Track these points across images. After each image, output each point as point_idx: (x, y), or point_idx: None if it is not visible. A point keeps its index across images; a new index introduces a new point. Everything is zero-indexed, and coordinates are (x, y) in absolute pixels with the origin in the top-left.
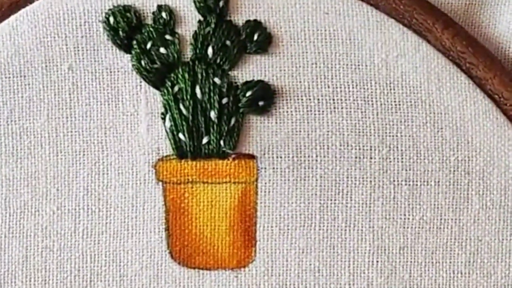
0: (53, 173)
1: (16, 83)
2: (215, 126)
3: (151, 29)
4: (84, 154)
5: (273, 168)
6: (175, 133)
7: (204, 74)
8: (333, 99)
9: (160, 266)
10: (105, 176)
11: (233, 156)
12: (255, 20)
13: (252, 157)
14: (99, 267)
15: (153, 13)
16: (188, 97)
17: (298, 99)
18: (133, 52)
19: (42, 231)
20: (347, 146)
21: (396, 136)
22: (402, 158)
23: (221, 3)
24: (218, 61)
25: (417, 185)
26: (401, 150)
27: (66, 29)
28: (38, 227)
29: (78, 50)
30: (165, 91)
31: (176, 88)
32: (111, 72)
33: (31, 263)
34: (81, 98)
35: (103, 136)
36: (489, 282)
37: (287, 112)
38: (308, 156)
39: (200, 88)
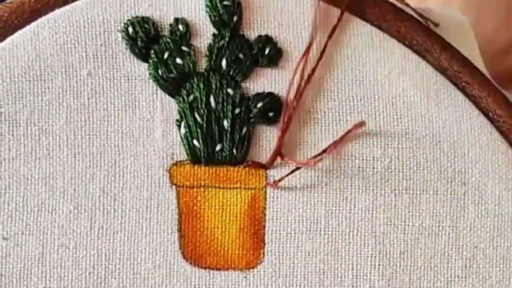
0: (70, 173)
1: (36, 87)
2: (228, 135)
3: (168, 40)
4: (101, 157)
5: (281, 175)
6: (189, 139)
7: (218, 85)
8: (338, 112)
9: (172, 266)
10: (121, 178)
11: (244, 164)
12: (266, 36)
13: (262, 165)
14: (114, 265)
15: (170, 25)
16: (203, 106)
17: (305, 111)
18: (150, 61)
19: (59, 229)
20: (351, 156)
21: (397, 148)
22: (403, 169)
23: (235, 18)
24: (231, 73)
25: (416, 193)
26: (402, 161)
27: (86, 37)
28: (55, 225)
29: (97, 57)
30: (181, 99)
31: (191, 97)
32: (128, 79)
33: (47, 260)
34: (99, 103)
35: (120, 140)
36: (484, 286)
37: (294, 123)
38: (314, 165)
39: (214, 98)
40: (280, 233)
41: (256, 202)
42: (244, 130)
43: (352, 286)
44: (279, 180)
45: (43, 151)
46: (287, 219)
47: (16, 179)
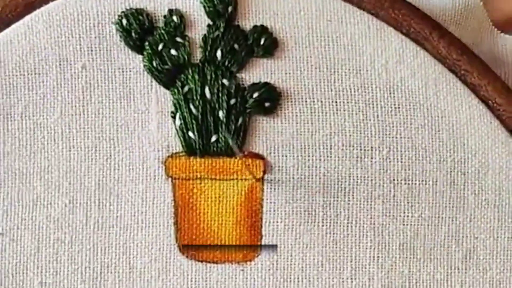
0: (65, 167)
1: (31, 80)
2: (223, 125)
3: (162, 31)
4: (96, 150)
5: (279, 166)
6: (184, 131)
7: (213, 76)
8: (336, 102)
9: (168, 259)
10: (116, 171)
11: (240, 154)
12: (262, 26)
13: (259, 156)
14: (110, 259)
15: (164, 16)
16: (198, 97)
17: (302, 101)
18: (145, 53)
19: (54, 223)
20: (349, 146)
21: (396, 137)
22: (401, 159)
23: (229, 9)
24: (226, 63)
25: (415, 184)
26: (401, 151)
27: (80, 29)
28: (50, 219)
29: (92, 50)
30: (176, 91)
31: (186, 89)
32: (123, 71)
33: (43, 255)
34: (94, 96)
35: (115, 133)
36: (485, 278)
37: (292, 113)
38: (312, 156)
39: (209, 89)
40: (277, 225)
41: (253, 193)
42: (240, 120)
43: (351, 278)
44: None
45: (38, 145)
46: (285, 211)
47: (11, 173)
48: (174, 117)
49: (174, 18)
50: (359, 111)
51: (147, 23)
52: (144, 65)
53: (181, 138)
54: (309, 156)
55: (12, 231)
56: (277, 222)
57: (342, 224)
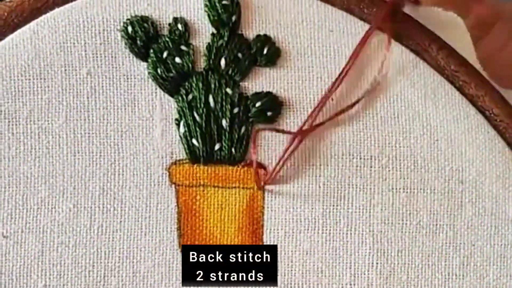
0: (70, 172)
1: (36, 85)
2: (226, 134)
3: (167, 39)
4: (100, 156)
5: (280, 174)
6: (188, 138)
7: (217, 84)
8: (337, 111)
9: (171, 264)
10: (121, 177)
11: (242, 163)
12: (265, 35)
13: (260, 165)
14: (113, 263)
15: (169, 24)
16: (202, 105)
17: (303, 111)
18: (149, 60)
19: (58, 227)
20: (349, 155)
21: (395, 146)
22: (400, 167)
23: (233, 18)
24: (230, 72)
25: (414, 192)
26: (400, 159)
27: (86, 36)
28: (55, 223)
29: (97, 57)
30: (180, 98)
31: (190, 96)
32: (128, 78)
33: (47, 258)
34: (98, 102)
35: (119, 139)
36: (482, 284)
37: (293, 122)
38: (312, 164)
39: (213, 97)
40: (278, 232)
41: (255, 201)
42: (243, 129)
43: (350, 285)
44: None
45: (42, 149)
46: (285, 218)
47: (16, 177)
48: (178, 125)
49: (179, 26)
50: (359, 121)
51: (152, 31)
52: (149, 73)
53: (185, 146)
54: (309, 164)
55: (16, 234)
56: (278, 229)
57: (342, 231)
